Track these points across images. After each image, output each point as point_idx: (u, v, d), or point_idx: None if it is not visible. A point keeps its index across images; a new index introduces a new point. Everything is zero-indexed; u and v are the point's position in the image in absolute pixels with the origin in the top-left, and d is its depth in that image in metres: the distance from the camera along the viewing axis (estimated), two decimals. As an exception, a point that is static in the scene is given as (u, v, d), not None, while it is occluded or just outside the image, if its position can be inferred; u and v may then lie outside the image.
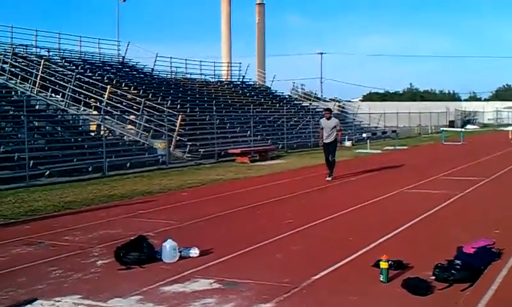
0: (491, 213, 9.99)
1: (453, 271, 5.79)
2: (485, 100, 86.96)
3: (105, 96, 24.76)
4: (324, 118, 15.84)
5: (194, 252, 6.99)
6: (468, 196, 12.07)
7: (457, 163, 19.33)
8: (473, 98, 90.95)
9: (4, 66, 25.89)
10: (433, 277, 5.79)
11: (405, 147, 30.98)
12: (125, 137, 23.28)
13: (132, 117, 24.63)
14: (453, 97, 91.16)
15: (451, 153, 25.74)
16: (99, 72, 30.73)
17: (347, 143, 31.61)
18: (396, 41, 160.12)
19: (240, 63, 43.48)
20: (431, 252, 6.92)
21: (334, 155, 15.48)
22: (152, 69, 35.97)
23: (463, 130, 40.42)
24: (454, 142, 32.58)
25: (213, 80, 40.00)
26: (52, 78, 25.65)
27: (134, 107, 25.14)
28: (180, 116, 24.24)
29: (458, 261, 6.01)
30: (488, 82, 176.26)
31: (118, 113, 24.38)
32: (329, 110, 16.79)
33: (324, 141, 15.56)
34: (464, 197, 11.86)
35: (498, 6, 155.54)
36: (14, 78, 25.63)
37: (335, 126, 15.49)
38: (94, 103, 24.93)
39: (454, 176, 15.75)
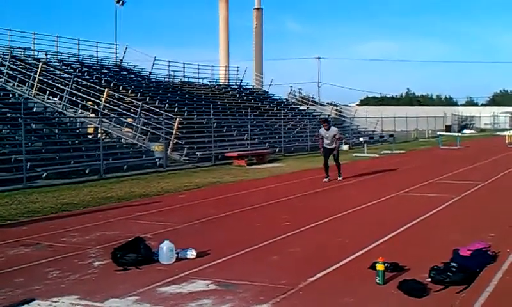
0: (487, 216, 10.03)
1: (449, 273, 5.81)
2: (482, 105, 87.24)
3: (103, 99, 24.76)
4: (323, 129, 16.01)
5: (191, 253, 7.01)
6: (464, 200, 12.10)
7: (453, 167, 19.38)
8: (470, 103, 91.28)
9: (2, 68, 25.82)
10: (429, 279, 5.82)
11: (402, 151, 31.04)
12: (122, 140, 23.28)
13: (129, 120, 24.66)
14: (450, 102, 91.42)
15: (448, 157, 25.78)
16: (97, 75, 30.70)
17: (345, 147, 31.63)
18: (393, 47, 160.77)
19: (238, 67, 43.56)
20: (427, 254, 6.95)
21: (338, 157, 16.21)
22: (150, 72, 35.91)
23: (459, 134, 40.48)
24: (451, 146, 32.66)
25: (211, 83, 40.03)
26: (50, 81, 25.66)
27: (132, 110, 25.15)
28: (177, 119, 24.25)
29: (454, 264, 6.05)
30: (485, 87, 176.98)
31: (116, 116, 24.37)
32: (326, 121, 16.67)
33: (325, 146, 15.95)
34: (461, 201, 11.89)
35: (494, 11, 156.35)
36: (12, 80, 25.59)
37: (334, 135, 15.87)
38: (91, 106, 24.91)
39: (451, 180, 15.79)
